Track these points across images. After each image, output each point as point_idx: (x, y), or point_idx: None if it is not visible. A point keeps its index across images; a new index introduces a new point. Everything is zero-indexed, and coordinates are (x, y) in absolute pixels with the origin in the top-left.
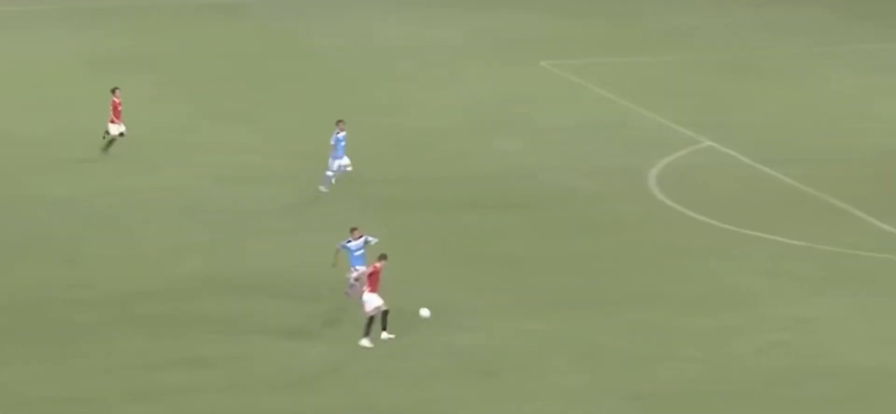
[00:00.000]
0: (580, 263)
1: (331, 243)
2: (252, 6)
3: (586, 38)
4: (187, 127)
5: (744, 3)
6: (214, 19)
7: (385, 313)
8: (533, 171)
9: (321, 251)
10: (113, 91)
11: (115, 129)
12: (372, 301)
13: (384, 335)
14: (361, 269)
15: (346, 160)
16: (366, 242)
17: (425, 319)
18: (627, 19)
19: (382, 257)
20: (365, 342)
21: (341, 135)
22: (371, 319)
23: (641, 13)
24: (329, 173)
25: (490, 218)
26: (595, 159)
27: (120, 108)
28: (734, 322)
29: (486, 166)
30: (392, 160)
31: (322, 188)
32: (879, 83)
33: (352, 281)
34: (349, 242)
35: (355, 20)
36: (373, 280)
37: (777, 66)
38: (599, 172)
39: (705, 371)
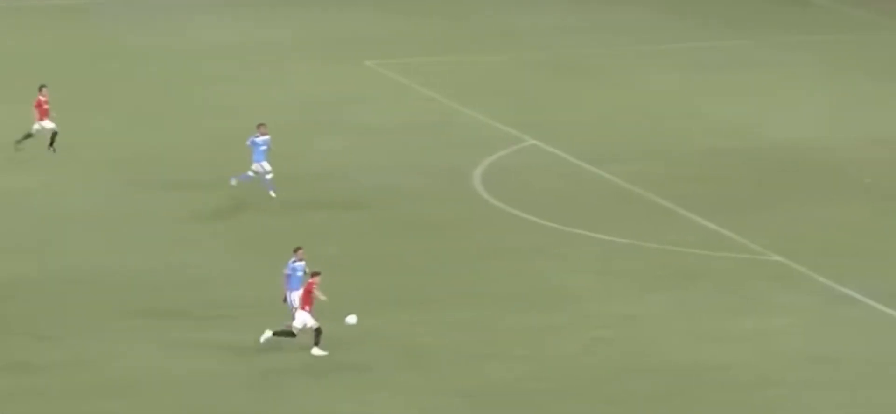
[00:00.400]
0: (406, 262)
1: (157, 239)
2: (74, 8)
3: (411, 37)
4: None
5: (568, 3)
6: (34, 21)
7: (318, 330)
8: (358, 171)
9: (148, 248)
10: (40, 89)
11: (36, 127)
12: (301, 319)
13: (316, 351)
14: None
15: (267, 165)
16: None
17: (351, 326)
18: (453, 19)
19: (315, 274)
20: (316, 351)
21: (261, 138)
22: (318, 330)
23: (467, 13)
24: (245, 175)
25: (316, 218)
26: (420, 159)
27: (46, 106)
28: (560, 320)
29: (311, 167)
30: (217, 162)
31: (272, 193)
32: (703, 82)
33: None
34: (294, 262)
35: (179, 21)
36: (307, 298)
37: (601, 66)
38: (424, 172)
39: (532, 369)
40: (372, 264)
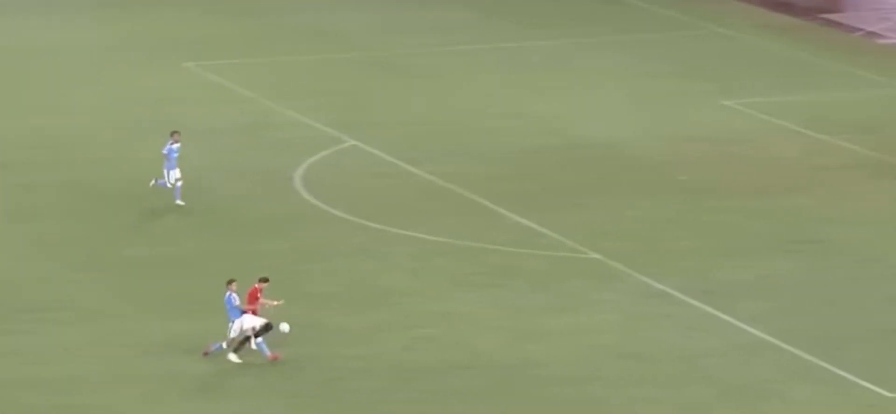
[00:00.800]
0: (226, 263)
1: None
2: None
3: (230, 38)
4: None
5: (388, 3)
6: None
7: (246, 339)
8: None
9: None
10: None
11: None
12: (249, 322)
13: (233, 357)
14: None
15: (178, 173)
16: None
17: (285, 334)
18: (272, 19)
19: (263, 280)
20: (233, 357)
21: (175, 146)
22: (247, 339)
23: (285, 13)
24: (162, 181)
25: (134, 220)
26: (240, 160)
27: None
28: (380, 319)
29: (129, 169)
30: (34, 166)
31: (179, 202)
32: (520, 81)
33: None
34: (229, 295)
35: (2, 22)
36: (252, 301)
37: (421, 65)
38: (244, 173)
39: (354, 368)
40: (191, 266)
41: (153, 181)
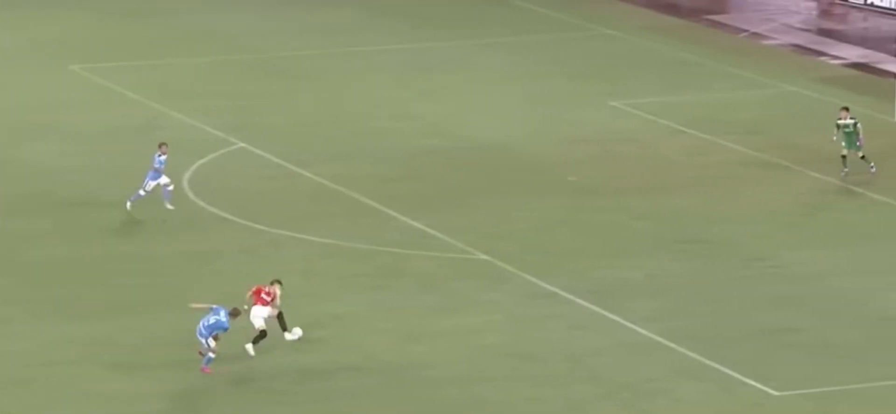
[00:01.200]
0: (114, 267)
1: None
2: None
3: (116, 41)
4: None
5: (277, 5)
6: None
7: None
8: (64, 177)
9: None
10: None
11: None
12: (260, 314)
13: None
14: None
15: (165, 179)
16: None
17: (295, 340)
18: (158, 21)
19: (276, 282)
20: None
21: (162, 157)
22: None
23: (172, 14)
24: (138, 193)
25: (20, 224)
26: (127, 163)
27: None
28: (269, 321)
29: (14, 173)
30: None
31: (168, 206)
32: (409, 83)
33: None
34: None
35: None
36: (259, 297)
37: (310, 67)
38: (131, 176)
39: (241, 370)
40: (77, 270)
41: (129, 203)
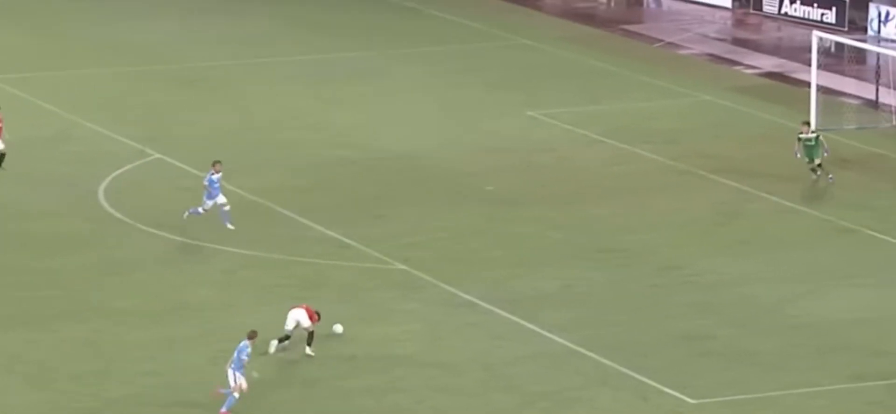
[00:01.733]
0: (27, 279)
1: None
2: None
3: (30, 52)
4: None
5: (191, 15)
6: None
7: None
8: None
9: None
10: None
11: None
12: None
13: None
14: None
15: (222, 198)
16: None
17: (339, 334)
18: (73, 32)
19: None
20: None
21: (216, 175)
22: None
23: (86, 25)
24: (195, 209)
25: None
26: (42, 174)
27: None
28: (185, 333)
29: None
30: None
31: (229, 226)
32: (325, 93)
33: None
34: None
35: None
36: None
37: (225, 78)
38: (47, 186)
39: (156, 383)
40: None
41: (187, 213)
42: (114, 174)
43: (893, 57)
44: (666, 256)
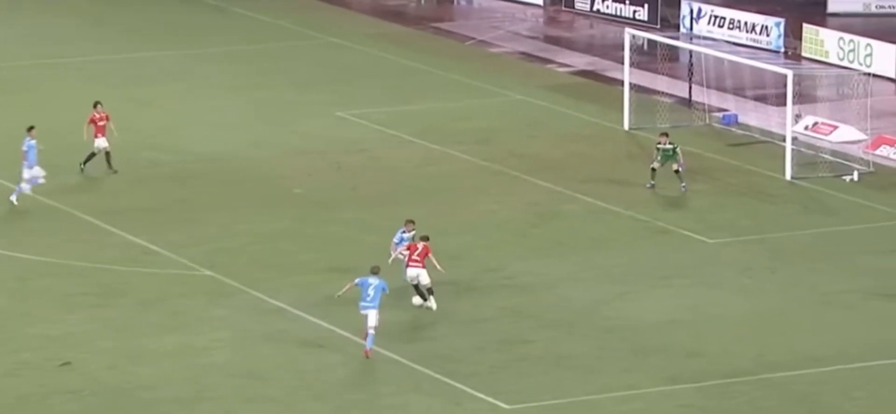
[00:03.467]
0: None
1: None
2: None
3: None
4: None
5: None
6: None
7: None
8: None
9: None
10: (94, 106)
11: (97, 145)
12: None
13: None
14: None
15: (39, 171)
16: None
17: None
18: None
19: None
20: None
21: (32, 142)
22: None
23: None
24: (23, 185)
25: None
26: None
27: (101, 123)
28: None
29: None
30: None
31: (12, 199)
32: (131, 95)
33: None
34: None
35: None
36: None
37: (23, 78)
38: None
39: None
40: None
41: (13, 195)
42: None
43: (706, 55)
44: (481, 259)
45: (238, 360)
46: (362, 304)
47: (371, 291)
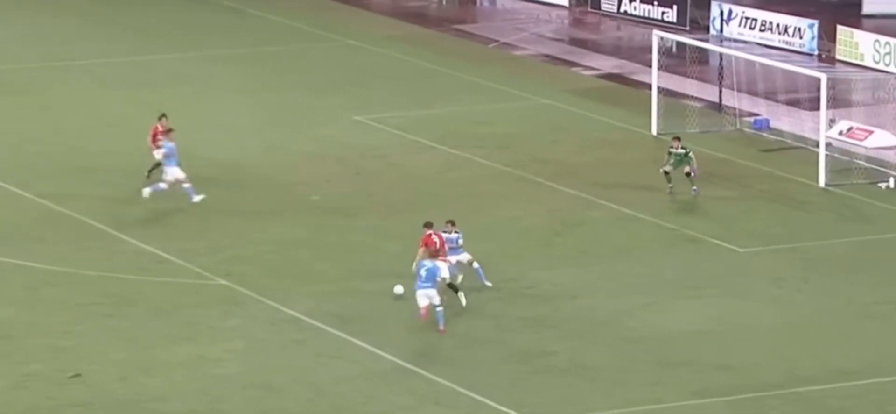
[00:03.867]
0: None
1: None
2: None
3: None
4: None
5: None
6: None
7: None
8: None
9: None
10: (159, 118)
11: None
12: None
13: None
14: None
15: (181, 174)
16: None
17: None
18: None
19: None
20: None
21: (172, 144)
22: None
23: None
24: (162, 185)
25: None
26: None
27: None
28: None
29: None
30: None
31: (195, 199)
32: (142, 98)
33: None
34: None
35: None
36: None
37: (30, 81)
38: None
39: None
40: None
41: (147, 189)
42: None
43: (736, 57)
44: (503, 267)
45: (252, 371)
46: (418, 284)
47: (423, 273)
